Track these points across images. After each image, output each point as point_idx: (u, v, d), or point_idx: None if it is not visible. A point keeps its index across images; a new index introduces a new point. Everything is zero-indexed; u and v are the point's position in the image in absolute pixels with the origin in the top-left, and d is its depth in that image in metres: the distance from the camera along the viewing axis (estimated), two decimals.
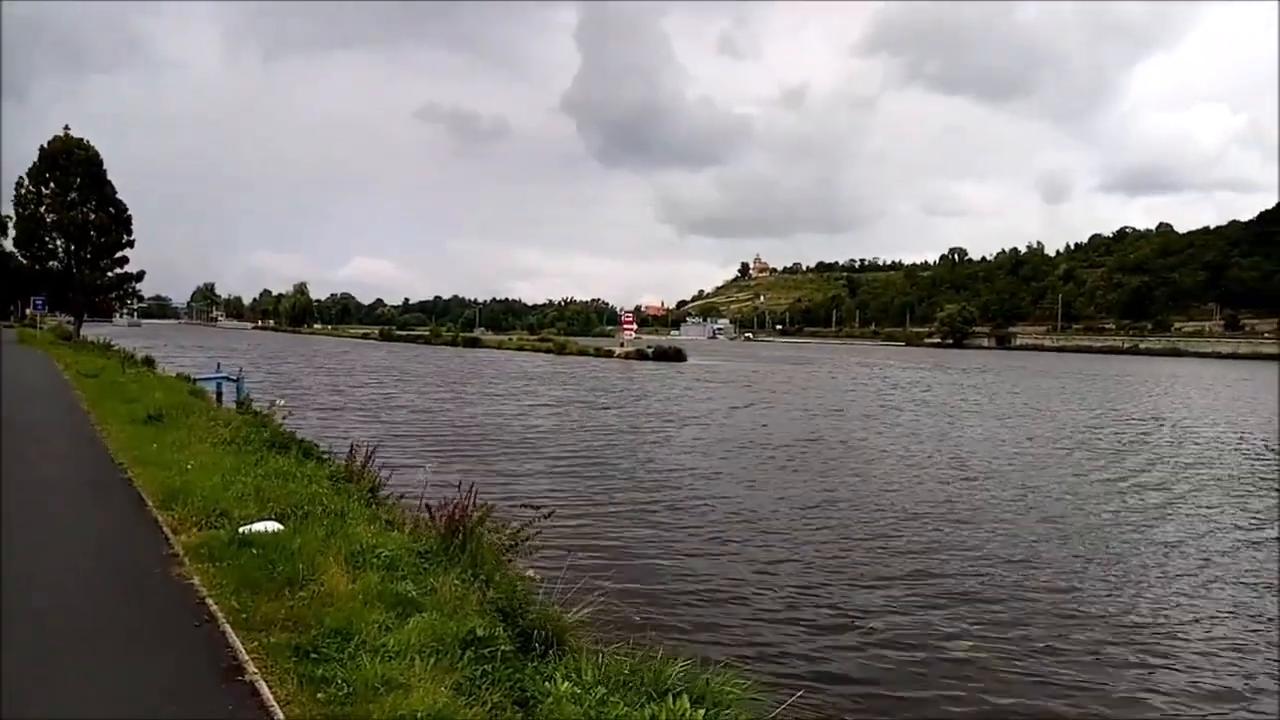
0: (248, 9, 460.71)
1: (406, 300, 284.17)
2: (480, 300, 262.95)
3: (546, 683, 4.65)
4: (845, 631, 8.98)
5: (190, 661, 4.69)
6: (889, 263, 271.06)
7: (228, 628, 5.05)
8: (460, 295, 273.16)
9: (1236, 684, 7.99)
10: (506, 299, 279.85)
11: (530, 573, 7.14)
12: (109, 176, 48.86)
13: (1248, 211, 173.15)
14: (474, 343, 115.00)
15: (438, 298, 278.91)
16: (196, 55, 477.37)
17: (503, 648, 4.97)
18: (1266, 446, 26.03)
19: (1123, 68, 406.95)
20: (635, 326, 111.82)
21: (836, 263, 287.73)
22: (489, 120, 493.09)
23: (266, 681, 4.38)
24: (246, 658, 4.64)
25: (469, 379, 50.38)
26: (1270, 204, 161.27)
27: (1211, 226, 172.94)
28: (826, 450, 23.01)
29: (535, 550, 8.09)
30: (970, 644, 8.60)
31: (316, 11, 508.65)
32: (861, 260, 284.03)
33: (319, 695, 4.28)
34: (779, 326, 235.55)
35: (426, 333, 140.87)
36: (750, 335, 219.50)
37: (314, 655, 4.70)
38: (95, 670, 4.56)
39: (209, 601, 5.50)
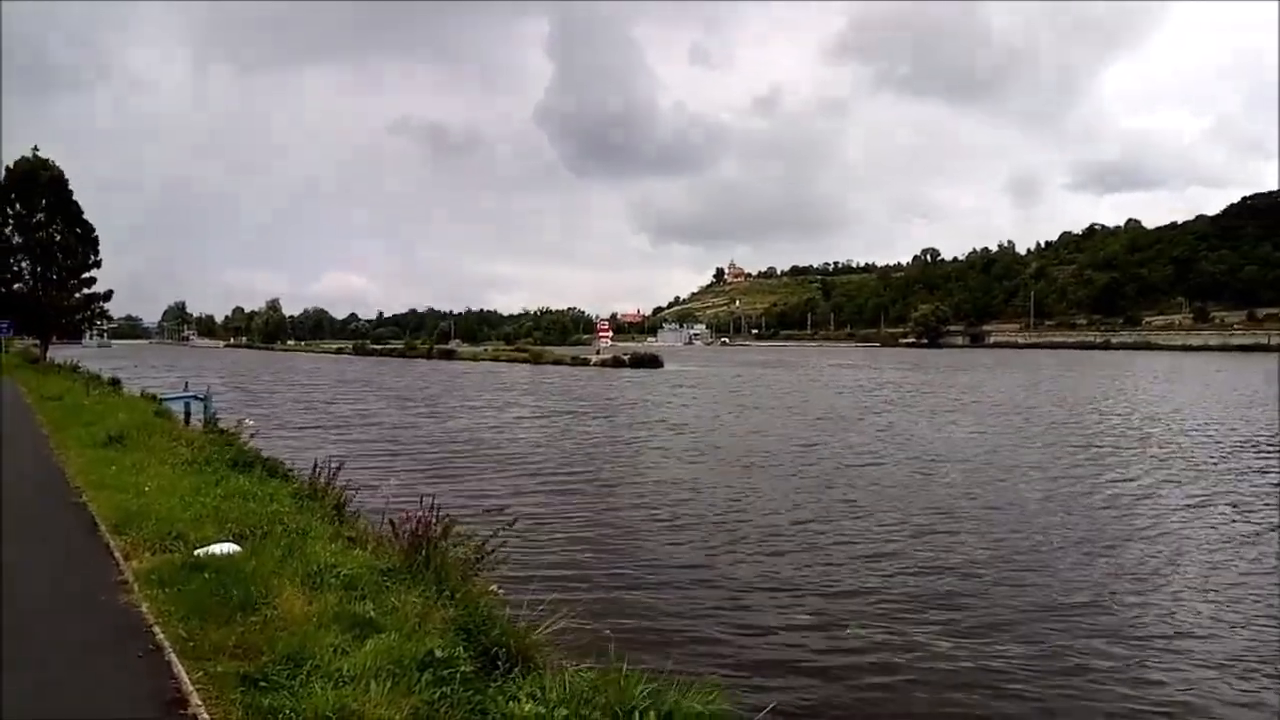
0: (217, 24, 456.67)
1: (381, 314, 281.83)
2: (455, 312, 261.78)
3: (510, 703, 4.45)
4: (820, 644, 8.76)
5: (132, 693, 4.45)
6: (862, 265, 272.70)
7: (173, 656, 4.82)
8: (435, 307, 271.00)
9: (1236, 686, 7.81)
10: (482, 310, 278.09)
11: (494, 588, 6.93)
12: (77, 195, 48.24)
13: (1215, 207, 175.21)
14: (449, 354, 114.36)
15: (413, 310, 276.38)
16: (166, 72, 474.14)
17: (462, 669, 4.76)
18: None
19: (1090, 68, 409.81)
20: (611, 334, 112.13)
21: (810, 266, 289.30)
22: (462, 132, 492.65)
23: (210, 714, 4.16)
24: (191, 688, 4.41)
25: (443, 392, 49.99)
26: (1235, 199, 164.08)
27: (1179, 222, 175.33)
28: (808, 457, 22.81)
29: (502, 563, 7.86)
30: (953, 653, 8.39)
31: (285, 26, 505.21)
32: (835, 263, 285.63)
33: None
34: (755, 331, 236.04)
35: (401, 346, 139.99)
36: (726, 340, 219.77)
37: (263, 684, 4.47)
38: (31, 704, 4.31)
39: (155, 629, 5.25)
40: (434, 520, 7.27)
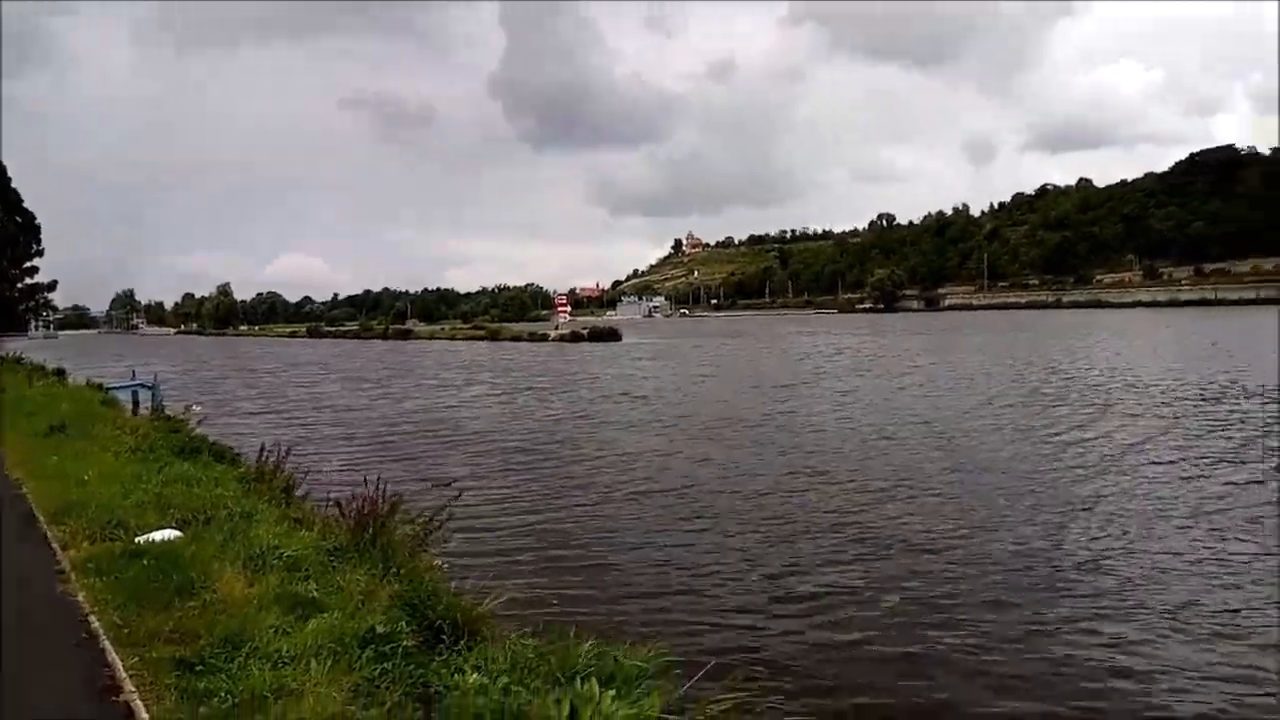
0: (157, 3, 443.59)
1: (336, 296, 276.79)
2: (412, 291, 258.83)
3: (455, 675, 4.42)
4: (765, 606, 8.88)
5: (64, 682, 4.36)
6: (819, 232, 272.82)
7: (108, 644, 4.72)
8: (391, 288, 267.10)
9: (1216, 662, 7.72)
10: (439, 289, 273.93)
11: (440, 562, 6.89)
12: (17, 183, 46.92)
13: (1166, 164, 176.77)
14: (406, 334, 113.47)
15: (368, 291, 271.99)
16: (107, 53, 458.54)
17: (405, 644, 4.72)
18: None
19: (1043, 28, 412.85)
20: (569, 308, 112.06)
21: (768, 235, 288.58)
22: (415, 107, 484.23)
23: (144, 699, 4.08)
24: (124, 675, 4.33)
25: (399, 372, 49.61)
26: (1184, 155, 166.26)
27: (1129, 180, 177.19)
28: (766, 426, 22.94)
29: (455, 536, 7.84)
30: (896, 608, 8.46)
31: (228, 3, 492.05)
32: (792, 231, 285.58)
33: (200, 710, 3.99)
34: (714, 301, 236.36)
35: (356, 327, 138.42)
36: (686, 311, 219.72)
37: (199, 667, 4.39)
38: None
39: (91, 618, 5.15)
40: (381, 499, 7.20)
